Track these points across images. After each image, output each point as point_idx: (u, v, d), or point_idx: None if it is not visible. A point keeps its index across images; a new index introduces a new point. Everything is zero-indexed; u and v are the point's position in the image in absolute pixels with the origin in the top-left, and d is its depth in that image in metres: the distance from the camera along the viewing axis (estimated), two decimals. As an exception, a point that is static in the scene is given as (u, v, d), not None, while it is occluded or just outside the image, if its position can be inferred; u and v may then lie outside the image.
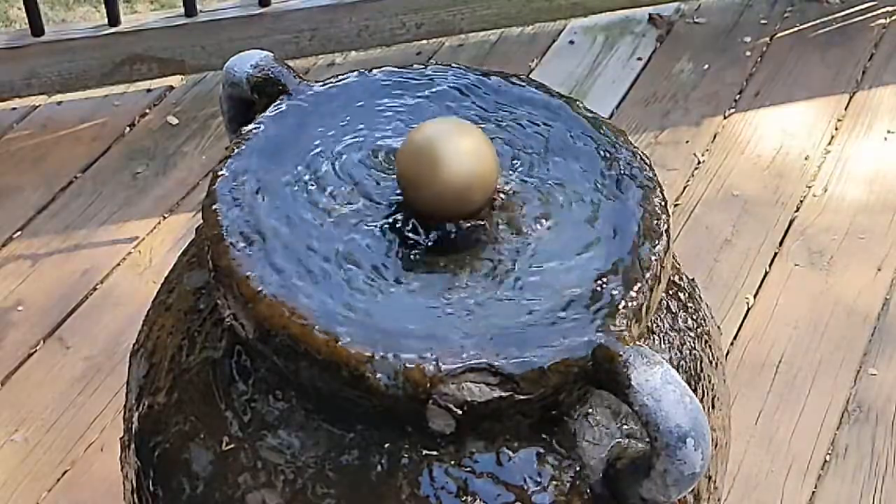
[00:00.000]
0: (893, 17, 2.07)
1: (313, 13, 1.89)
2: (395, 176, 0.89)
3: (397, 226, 0.86)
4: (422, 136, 0.85)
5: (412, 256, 0.85)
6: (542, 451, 0.81)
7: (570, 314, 0.80)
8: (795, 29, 2.05)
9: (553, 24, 2.04)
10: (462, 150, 0.84)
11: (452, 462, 0.80)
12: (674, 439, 0.76)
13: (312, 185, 0.89)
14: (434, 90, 0.96)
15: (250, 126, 0.92)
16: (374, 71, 0.98)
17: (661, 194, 0.89)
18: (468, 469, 0.80)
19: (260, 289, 0.80)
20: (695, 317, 0.95)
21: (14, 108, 1.87)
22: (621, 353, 0.77)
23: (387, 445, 0.80)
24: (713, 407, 0.93)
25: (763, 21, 2.07)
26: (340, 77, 0.97)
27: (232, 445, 0.84)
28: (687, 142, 1.84)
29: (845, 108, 1.90)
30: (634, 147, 0.92)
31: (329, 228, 0.86)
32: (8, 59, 1.81)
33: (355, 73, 0.97)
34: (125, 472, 0.95)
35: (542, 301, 0.81)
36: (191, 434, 0.86)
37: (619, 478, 0.81)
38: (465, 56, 1.97)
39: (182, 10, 1.86)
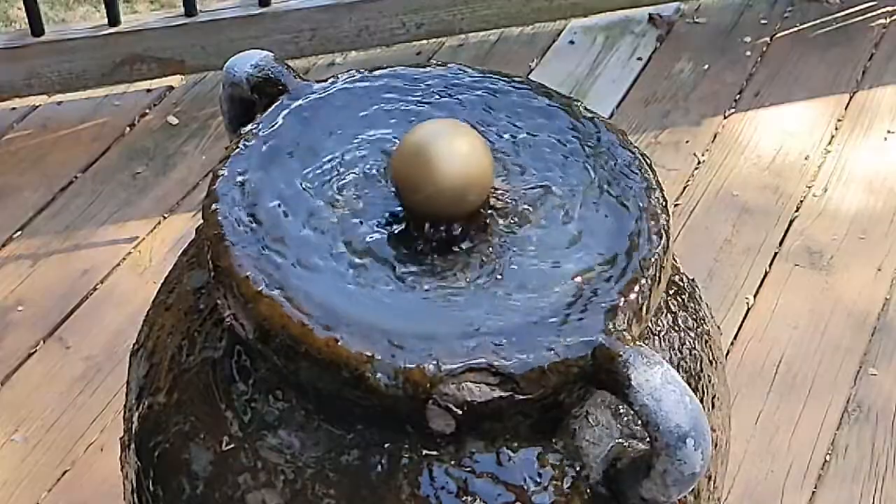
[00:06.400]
0: (893, 18, 2.07)
1: (313, 13, 1.89)
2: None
3: (396, 226, 0.86)
4: (416, 137, 0.85)
5: (412, 257, 0.85)
6: (542, 451, 0.81)
7: (570, 314, 0.80)
8: (795, 29, 2.05)
9: (553, 24, 2.04)
10: (456, 150, 0.83)
11: (452, 462, 0.80)
12: (674, 439, 0.76)
13: (312, 185, 0.89)
14: (434, 90, 0.96)
15: (250, 126, 0.92)
16: (374, 71, 0.98)
17: (661, 194, 0.89)
18: (468, 469, 0.80)
19: (260, 289, 0.80)
20: (695, 317, 0.95)
21: (14, 108, 1.87)
22: (621, 353, 0.77)
23: (387, 445, 0.80)
24: (713, 407, 0.93)
25: (763, 21, 2.07)
26: (340, 77, 0.97)
27: (232, 445, 0.84)
28: (687, 142, 1.84)
29: (845, 108, 1.90)
30: (634, 147, 0.92)
31: (329, 228, 0.86)
32: (8, 59, 1.81)
33: (355, 72, 0.97)
34: (125, 472, 0.95)
35: (542, 301, 0.81)
36: (191, 434, 0.86)
37: (619, 478, 0.81)
38: (465, 56, 1.97)
39: (182, 10, 1.86)
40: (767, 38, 2.03)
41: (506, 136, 0.93)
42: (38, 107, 1.88)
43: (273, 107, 0.94)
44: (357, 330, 0.79)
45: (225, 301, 0.83)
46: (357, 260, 0.84)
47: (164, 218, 1.72)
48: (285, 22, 1.88)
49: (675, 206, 1.72)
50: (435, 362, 0.77)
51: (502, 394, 0.77)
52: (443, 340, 0.78)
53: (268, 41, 1.86)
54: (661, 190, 0.90)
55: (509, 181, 0.90)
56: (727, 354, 1.53)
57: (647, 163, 0.91)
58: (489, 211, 0.87)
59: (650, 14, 2.06)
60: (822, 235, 1.69)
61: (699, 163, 1.81)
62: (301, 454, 0.82)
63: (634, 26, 2.06)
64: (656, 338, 0.89)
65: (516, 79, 0.97)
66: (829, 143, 1.84)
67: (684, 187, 1.77)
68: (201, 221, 0.87)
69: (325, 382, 0.79)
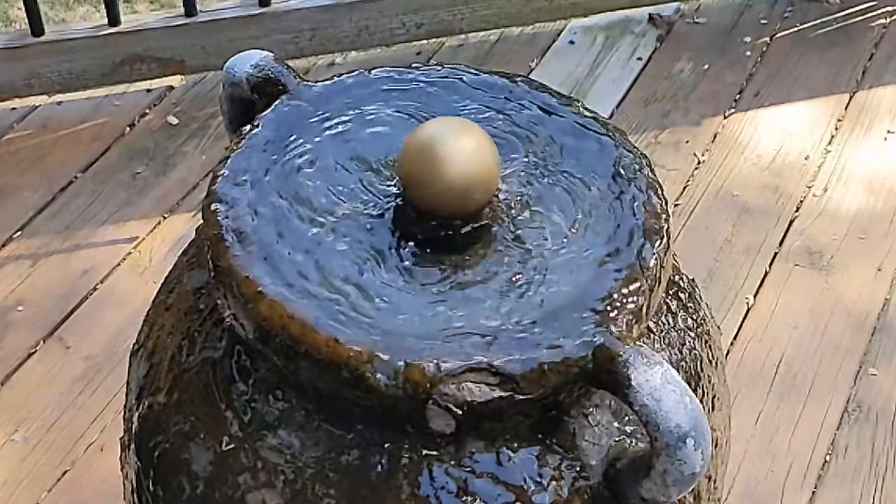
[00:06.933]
0: (893, 17, 2.07)
1: (313, 13, 1.89)
2: (395, 175, 0.89)
3: (398, 225, 0.86)
4: (424, 134, 0.85)
5: (413, 256, 0.85)
6: (542, 451, 0.81)
7: (571, 314, 0.80)
8: (795, 29, 2.05)
9: (553, 24, 2.04)
10: (464, 149, 0.84)
11: (452, 462, 0.80)
12: (674, 439, 0.76)
13: (313, 184, 0.89)
14: (435, 90, 0.96)
15: (250, 126, 0.92)
16: (374, 71, 0.98)
17: (661, 194, 0.89)
18: (468, 469, 0.80)
19: (260, 289, 0.80)
20: (695, 317, 0.95)
21: (14, 108, 1.87)
22: (621, 353, 0.77)
23: (387, 445, 0.80)
24: (713, 407, 0.93)
25: (763, 21, 2.07)
26: (340, 77, 0.97)
27: (232, 445, 0.84)
28: (687, 142, 1.84)
29: (845, 108, 1.90)
30: (634, 147, 0.92)
31: (329, 228, 0.86)
32: (8, 59, 1.81)
33: (355, 72, 0.97)
34: (125, 472, 0.95)
35: (542, 301, 0.81)
36: (191, 434, 0.86)
37: (619, 478, 0.81)
38: (465, 56, 1.97)
39: (182, 10, 1.86)
40: (767, 38, 2.03)
41: (508, 135, 0.93)
42: (38, 107, 1.88)
43: (273, 107, 0.94)
44: (357, 330, 0.79)
45: (225, 301, 0.83)
46: (358, 259, 0.84)
47: (164, 218, 1.72)
48: (285, 22, 1.88)
49: (675, 206, 1.72)
50: (435, 362, 0.77)
51: (502, 394, 0.77)
52: (443, 340, 0.78)
53: (268, 41, 1.86)
54: (661, 190, 0.90)
55: (513, 181, 0.90)
56: (727, 354, 1.53)
57: (647, 163, 0.91)
58: (493, 210, 0.87)
59: (650, 14, 2.06)
60: (822, 235, 1.69)
61: (699, 163, 1.81)
62: (301, 454, 0.82)
63: (634, 26, 2.06)
64: (656, 338, 0.89)
65: (516, 78, 0.97)
66: (829, 143, 1.84)
67: (684, 187, 1.77)
68: (201, 221, 0.87)
69: (325, 382, 0.79)
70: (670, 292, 0.93)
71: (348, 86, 0.96)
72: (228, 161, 0.89)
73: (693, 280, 1.00)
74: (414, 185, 0.85)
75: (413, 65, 0.99)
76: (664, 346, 0.90)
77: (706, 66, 1.97)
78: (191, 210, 1.71)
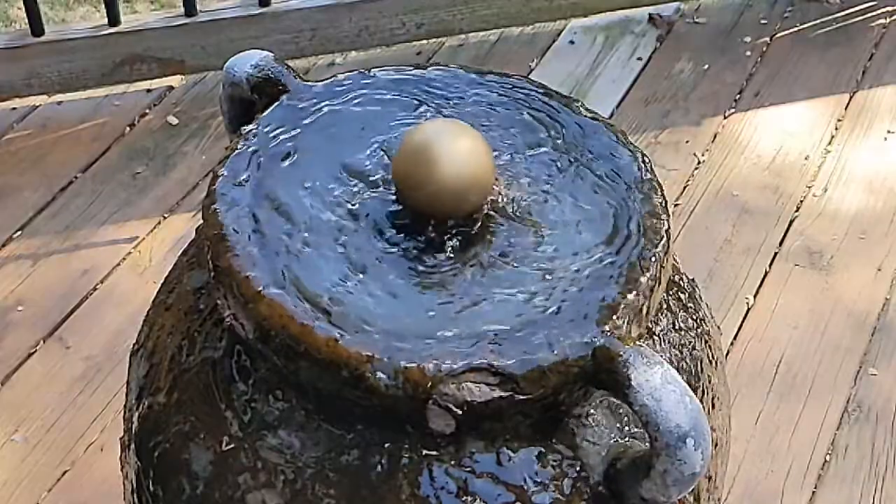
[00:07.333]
0: (893, 17, 2.07)
1: (313, 13, 1.89)
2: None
3: (397, 226, 0.86)
4: (418, 135, 0.85)
5: (411, 257, 0.85)
6: (542, 451, 0.81)
7: (570, 314, 0.80)
8: (795, 29, 2.05)
9: (553, 24, 2.04)
10: (458, 150, 0.84)
11: (452, 462, 0.80)
12: (674, 439, 0.76)
13: (312, 185, 0.89)
14: (434, 90, 0.96)
15: (250, 126, 0.92)
16: (374, 71, 0.98)
17: (661, 194, 0.89)
18: (468, 469, 0.80)
19: (260, 289, 0.80)
20: (695, 317, 0.95)
21: (14, 108, 1.87)
22: (621, 353, 0.77)
23: (387, 445, 0.80)
24: (713, 407, 0.93)
25: (763, 21, 2.07)
26: (340, 77, 0.97)
27: (232, 445, 0.84)
28: (687, 142, 1.84)
29: (845, 108, 1.90)
30: (634, 147, 0.92)
31: (329, 228, 0.86)
32: (8, 59, 1.81)
33: (355, 72, 0.97)
34: (125, 472, 0.95)
35: (542, 301, 0.81)
36: (191, 434, 0.86)
37: (619, 478, 0.81)
38: (465, 56, 1.97)
39: (182, 10, 1.86)
40: (767, 38, 2.03)
41: (506, 136, 0.93)
42: (38, 107, 1.88)
43: (273, 107, 0.94)
44: (357, 330, 0.79)
45: (225, 301, 0.83)
46: (357, 259, 0.84)
47: (164, 218, 1.72)
48: (285, 22, 1.88)
49: (675, 206, 1.72)
50: (435, 362, 0.77)
51: (502, 394, 0.77)
52: (443, 340, 0.78)
53: (268, 41, 1.86)
54: (661, 190, 0.90)
55: (510, 181, 0.90)
56: (727, 354, 1.53)
57: (647, 163, 0.91)
58: (490, 210, 0.87)
59: (650, 14, 2.06)
60: (822, 235, 1.69)
61: (699, 163, 1.81)
62: (301, 454, 0.82)
63: (634, 26, 2.06)
64: (656, 338, 0.89)
65: (515, 79, 0.97)
66: (829, 143, 1.84)
67: (684, 187, 1.77)
68: (201, 221, 0.87)
69: (325, 382, 0.79)
70: (670, 292, 0.93)
71: (348, 86, 0.96)
72: (228, 161, 0.89)
73: (693, 280, 1.00)
74: (409, 187, 0.85)
75: (412, 65, 0.98)
76: (664, 346, 0.90)
77: (706, 66, 1.98)
78: (191, 210, 1.71)
